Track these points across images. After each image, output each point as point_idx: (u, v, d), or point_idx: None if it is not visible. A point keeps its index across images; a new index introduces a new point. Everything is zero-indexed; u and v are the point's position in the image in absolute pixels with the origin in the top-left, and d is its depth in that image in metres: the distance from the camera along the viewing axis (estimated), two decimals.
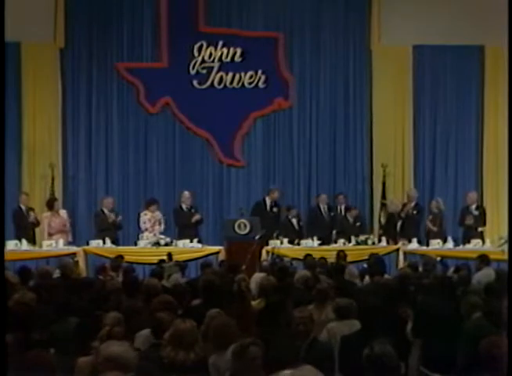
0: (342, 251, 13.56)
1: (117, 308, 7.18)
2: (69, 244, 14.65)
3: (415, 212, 15.55)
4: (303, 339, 6.26)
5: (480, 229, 15.23)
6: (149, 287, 8.30)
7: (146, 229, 14.89)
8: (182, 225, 15.14)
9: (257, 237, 14.10)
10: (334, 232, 15.28)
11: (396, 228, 15.47)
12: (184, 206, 15.30)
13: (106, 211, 15.02)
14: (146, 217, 15.03)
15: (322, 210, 15.69)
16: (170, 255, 13.07)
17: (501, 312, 6.54)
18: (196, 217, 15.13)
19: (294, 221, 15.45)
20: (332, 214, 15.65)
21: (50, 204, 14.98)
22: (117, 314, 6.56)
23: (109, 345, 5.03)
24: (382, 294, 8.25)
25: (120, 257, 12.65)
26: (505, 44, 13.88)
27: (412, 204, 15.64)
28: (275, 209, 15.57)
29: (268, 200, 15.67)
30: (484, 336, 5.30)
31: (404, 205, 15.75)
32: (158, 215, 15.09)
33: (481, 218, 15.36)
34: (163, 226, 15.05)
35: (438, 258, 12.80)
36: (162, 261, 12.47)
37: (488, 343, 5.09)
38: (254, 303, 8.45)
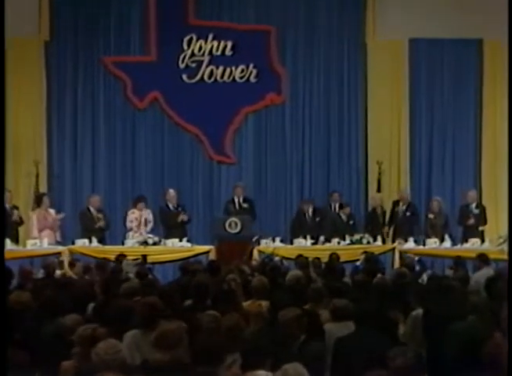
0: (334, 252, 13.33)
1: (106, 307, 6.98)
2: (57, 242, 14.41)
3: (408, 213, 15.26)
4: (294, 339, 6.20)
5: (481, 228, 15.02)
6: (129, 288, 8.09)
7: (132, 229, 14.65)
8: (168, 225, 14.87)
9: (254, 239, 14.01)
10: (322, 238, 14.72)
11: (378, 223, 15.24)
12: (170, 205, 15.02)
13: (92, 209, 14.78)
14: (133, 215, 14.79)
15: (306, 215, 15.18)
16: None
17: (500, 312, 6.38)
18: (182, 217, 14.85)
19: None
20: (317, 219, 15.12)
21: (39, 200, 14.78)
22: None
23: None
24: (376, 294, 8.15)
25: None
26: (503, 37, 13.90)
27: (405, 204, 15.32)
28: (245, 205, 15.17)
29: (235, 198, 15.25)
30: (482, 337, 5.31)
31: (395, 203, 15.47)
32: (146, 213, 14.82)
33: (482, 217, 15.12)
34: (150, 225, 14.78)
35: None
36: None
37: (486, 344, 5.08)
38: (245, 304, 8.20)
